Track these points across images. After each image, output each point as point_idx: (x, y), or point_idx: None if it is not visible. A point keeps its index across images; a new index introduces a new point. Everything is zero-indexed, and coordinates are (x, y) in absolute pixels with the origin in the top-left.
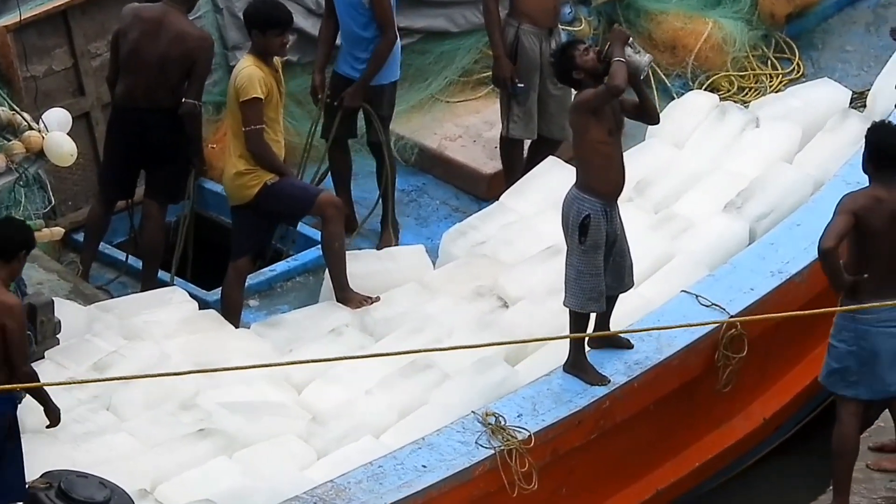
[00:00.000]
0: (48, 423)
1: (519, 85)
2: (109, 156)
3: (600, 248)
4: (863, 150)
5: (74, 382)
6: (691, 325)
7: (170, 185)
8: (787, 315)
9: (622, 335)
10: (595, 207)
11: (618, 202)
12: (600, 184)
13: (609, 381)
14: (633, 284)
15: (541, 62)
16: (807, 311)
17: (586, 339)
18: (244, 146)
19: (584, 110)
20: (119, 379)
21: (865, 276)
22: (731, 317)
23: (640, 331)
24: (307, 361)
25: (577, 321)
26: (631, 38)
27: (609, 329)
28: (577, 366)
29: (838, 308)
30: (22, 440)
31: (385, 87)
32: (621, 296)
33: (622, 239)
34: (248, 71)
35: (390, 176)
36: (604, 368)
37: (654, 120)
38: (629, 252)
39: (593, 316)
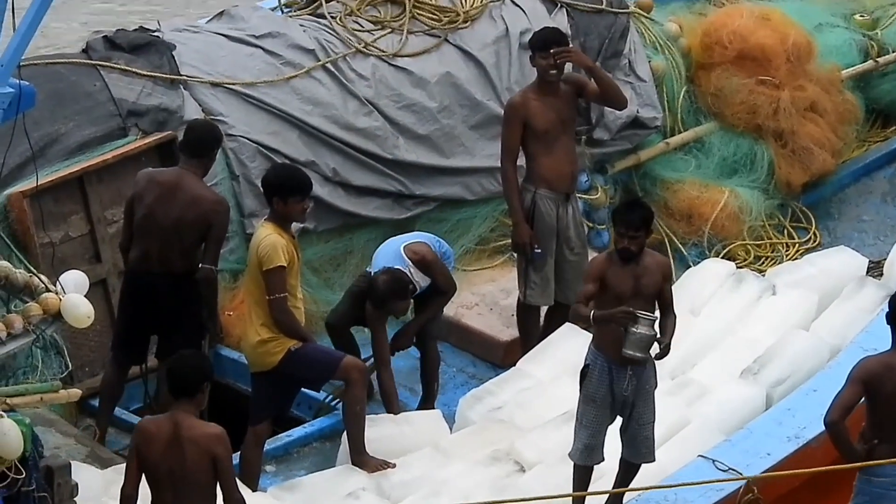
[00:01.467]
0: None
1: (536, 250)
2: (122, 321)
3: (596, 402)
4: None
5: None
6: (709, 482)
7: (184, 349)
8: (807, 472)
9: None
10: (597, 362)
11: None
12: (602, 341)
13: None
14: (653, 459)
15: (557, 227)
16: (826, 468)
17: (585, 499)
18: (267, 314)
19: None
20: None
21: (875, 442)
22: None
23: (658, 487)
24: None
25: (577, 472)
26: (638, 316)
27: (621, 500)
28: None
29: (852, 465)
30: None
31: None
32: None
33: (640, 407)
34: (271, 239)
35: (435, 368)
36: None
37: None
38: (651, 425)
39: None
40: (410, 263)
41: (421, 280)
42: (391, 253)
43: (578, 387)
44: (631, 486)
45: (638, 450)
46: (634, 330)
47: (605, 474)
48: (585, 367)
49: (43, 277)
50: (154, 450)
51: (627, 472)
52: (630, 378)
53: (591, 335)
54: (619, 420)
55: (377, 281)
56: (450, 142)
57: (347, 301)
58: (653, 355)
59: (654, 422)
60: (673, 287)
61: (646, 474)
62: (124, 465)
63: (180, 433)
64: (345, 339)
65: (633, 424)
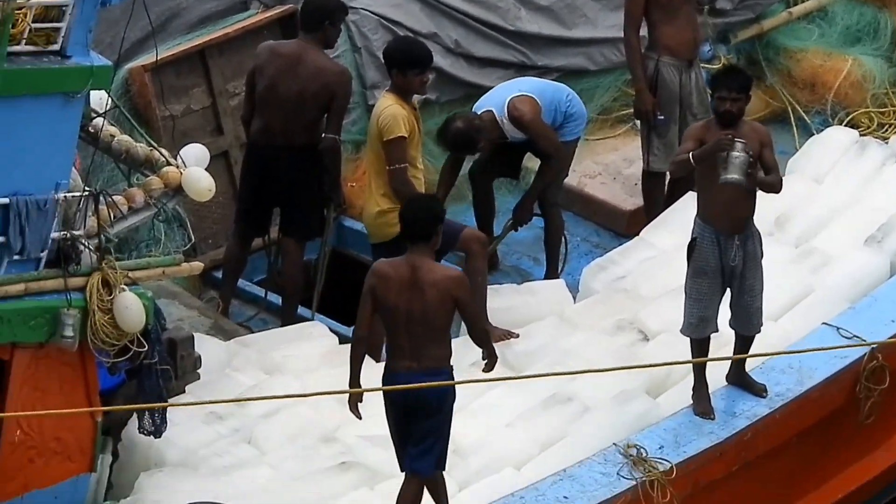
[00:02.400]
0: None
1: (659, 117)
2: (245, 194)
3: (706, 274)
4: None
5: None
6: (834, 349)
7: (306, 222)
8: None
9: (758, 384)
10: (704, 234)
11: (751, 239)
12: (707, 212)
13: (714, 417)
14: (759, 330)
15: (680, 95)
16: None
17: (705, 366)
18: (387, 185)
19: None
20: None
21: None
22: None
23: (781, 353)
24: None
25: (693, 347)
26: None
27: (744, 369)
28: (693, 391)
29: None
30: (164, 473)
31: (568, 143)
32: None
33: (750, 278)
34: (391, 110)
35: (557, 236)
36: (744, 401)
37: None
38: (760, 295)
39: (731, 348)
40: (506, 117)
41: (514, 133)
42: (499, 98)
43: (686, 261)
44: (755, 353)
45: (749, 321)
46: (734, 154)
47: (728, 343)
48: (693, 240)
49: (164, 151)
50: (392, 292)
51: (742, 344)
52: (738, 248)
53: None
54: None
55: (450, 125)
56: (572, 13)
57: (489, 152)
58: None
59: (762, 291)
60: (796, 156)
61: (770, 342)
62: (246, 336)
63: (420, 276)
64: (483, 192)
65: (743, 296)
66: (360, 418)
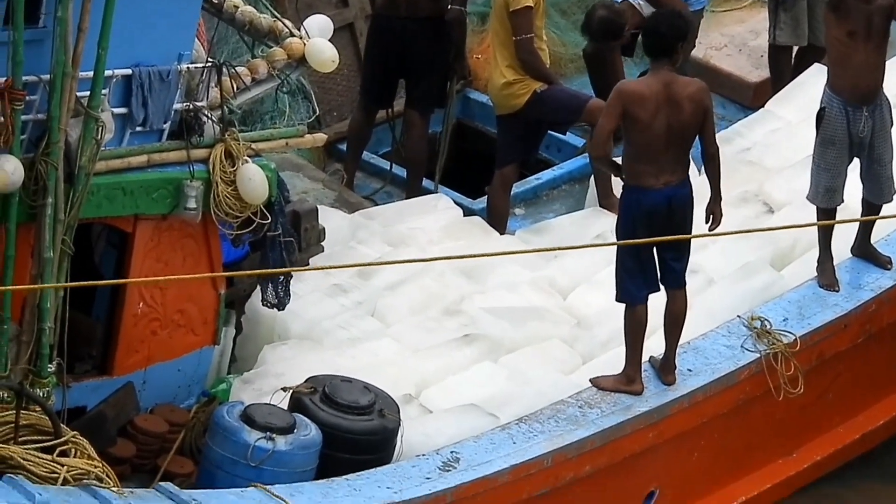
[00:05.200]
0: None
1: None
2: (370, 65)
3: (834, 144)
4: None
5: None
6: None
7: (431, 94)
8: None
9: (884, 255)
10: (832, 103)
11: (879, 109)
12: (837, 81)
13: (839, 289)
14: (891, 199)
15: None
16: None
17: (831, 238)
18: (513, 56)
19: (827, 4)
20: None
21: None
22: None
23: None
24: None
25: (819, 217)
26: None
27: (869, 240)
28: (818, 263)
29: None
30: (287, 346)
31: (694, 14)
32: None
33: (879, 148)
34: None
35: None
36: (869, 273)
37: None
38: (890, 164)
39: (855, 226)
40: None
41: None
42: None
43: (815, 130)
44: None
45: (880, 189)
46: None
47: (854, 216)
48: (821, 110)
49: (287, 22)
50: (649, 110)
51: (871, 213)
52: (866, 119)
53: None
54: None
55: (594, 13)
56: None
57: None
58: None
59: (892, 161)
60: None
61: None
62: (370, 208)
63: (674, 91)
64: (601, 70)
65: (873, 165)
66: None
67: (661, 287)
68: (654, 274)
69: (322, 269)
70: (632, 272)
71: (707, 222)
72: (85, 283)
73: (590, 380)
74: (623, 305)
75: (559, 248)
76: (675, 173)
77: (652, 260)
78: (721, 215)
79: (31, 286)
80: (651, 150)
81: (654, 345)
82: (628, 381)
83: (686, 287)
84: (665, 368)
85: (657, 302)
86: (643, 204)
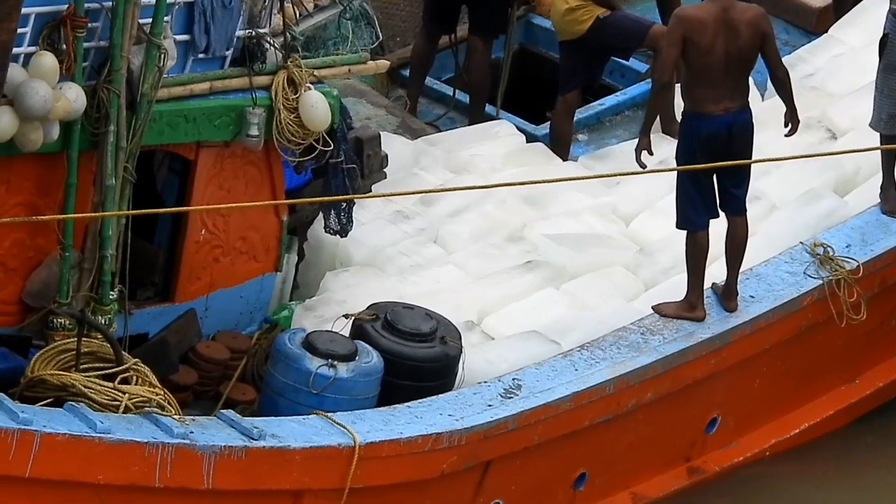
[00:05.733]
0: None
1: None
2: None
3: None
4: None
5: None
6: None
7: (493, 19)
8: None
9: None
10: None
11: None
12: None
13: None
14: None
15: None
16: None
17: (894, 165)
18: None
19: None
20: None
21: None
22: None
23: None
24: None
25: (882, 142)
26: None
27: None
28: (881, 189)
29: None
30: (349, 273)
31: None
32: None
33: None
34: None
35: None
36: None
37: None
38: None
39: None
40: None
41: None
42: None
43: (878, 56)
44: None
45: None
46: None
47: None
48: (884, 36)
49: None
50: (709, 35)
51: None
52: None
53: None
54: None
55: None
56: None
57: None
58: None
59: None
60: None
61: None
62: (433, 134)
63: (733, 16)
64: None
65: None
66: (645, 167)
67: (721, 214)
68: (713, 200)
69: (385, 196)
70: (692, 199)
71: (786, 127)
72: (147, 210)
73: (652, 307)
74: (684, 232)
75: (620, 174)
76: (735, 99)
77: (712, 187)
78: (798, 122)
79: (93, 214)
80: (710, 76)
81: (716, 271)
82: (690, 307)
83: (747, 214)
84: (727, 295)
85: (719, 228)
86: (703, 130)
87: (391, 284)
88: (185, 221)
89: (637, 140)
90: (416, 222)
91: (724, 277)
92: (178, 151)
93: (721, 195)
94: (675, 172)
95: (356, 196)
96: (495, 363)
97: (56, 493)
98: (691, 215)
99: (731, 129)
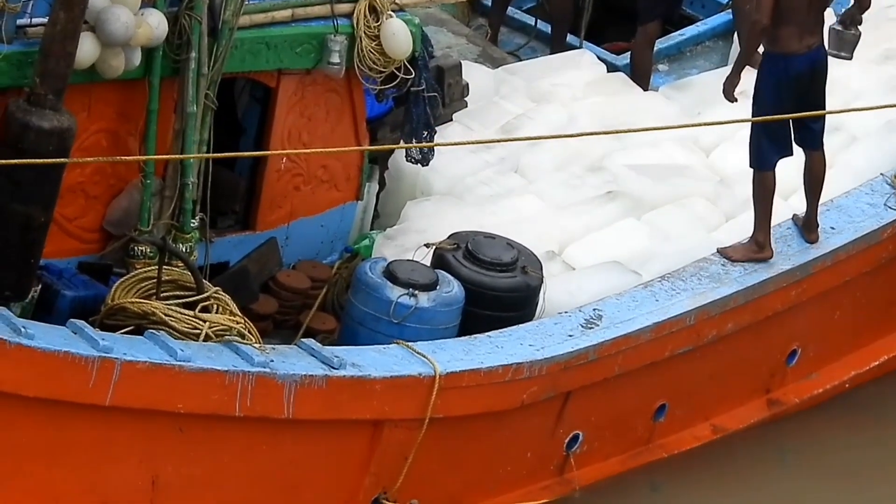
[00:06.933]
0: None
1: None
2: None
3: None
4: None
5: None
6: None
7: None
8: None
9: None
10: None
11: None
12: None
13: None
14: None
15: None
16: None
17: None
18: None
19: None
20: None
21: None
22: None
23: None
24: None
25: None
26: None
27: None
28: None
29: None
30: (430, 202)
31: None
32: None
33: None
34: None
35: None
36: None
37: None
38: None
39: None
40: None
41: None
42: None
43: None
44: None
45: None
46: None
47: None
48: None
49: None
50: None
51: None
52: None
53: None
54: None
55: None
56: None
57: None
58: None
59: None
60: None
61: None
62: (514, 63)
63: None
64: None
65: None
66: (735, 100)
67: (795, 151)
68: (787, 139)
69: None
70: (772, 136)
71: None
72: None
73: (717, 249)
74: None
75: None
76: (815, 34)
77: (787, 126)
78: None
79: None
80: (796, 13)
81: (796, 203)
82: (758, 248)
83: (825, 146)
84: (808, 226)
85: (797, 161)
86: (790, 70)
87: (472, 214)
88: (267, 150)
89: (728, 74)
90: (496, 151)
91: (804, 209)
92: (260, 79)
93: (799, 131)
94: (751, 109)
95: (437, 143)
96: (576, 294)
97: (136, 422)
98: (767, 153)
99: (815, 66)
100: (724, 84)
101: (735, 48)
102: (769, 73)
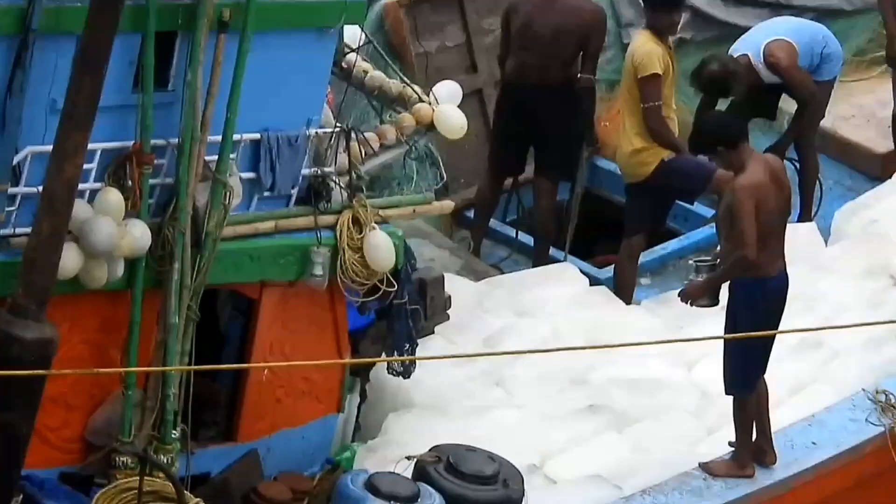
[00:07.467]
0: None
1: None
2: (500, 133)
3: None
4: None
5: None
6: None
7: (561, 162)
8: None
9: None
10: None
11: None
12: None
13: None
14: None
15: None
16: None
17: None
18: (641, 124)
19: None
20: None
21: None
22: None
23: None
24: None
25: None
26: None
27: None
28: None
29: None
30: (412, 414)
31: (824, 84)
32: None
33: None
34: (647, 47)
35: (812, 178)
36: None
37: None
38: None
39: None
40: (762, 63)
41: (770, 77)
42: (756, 43)
43: None
44: None
45: None
46: None
47: None
48: None
49: (416, 88)
50: (773, 198)
51: None
52: None
53: None
54: None
55: (705, 67)
56: None
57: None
58: None
59: None
60: None
61: None
62: (497, 276)
63: (775, 168)
64: None
65: None
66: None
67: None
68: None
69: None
70: (759, 360)
71: None
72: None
73: (699, 464)
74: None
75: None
76: (782, 255)
77: (772, 342)
78: None
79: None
80: (769, 237)
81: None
82: (740, 466)
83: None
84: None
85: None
86: (769, 293)
87: (454, 426)
88: (249, 361)
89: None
90: (479, 364)
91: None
92: (243, 290)
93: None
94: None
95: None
96: None
97: None
98: (753, 377)
99: (785, 288)
100: (692, 291)
101: None
102: (748, 302)
